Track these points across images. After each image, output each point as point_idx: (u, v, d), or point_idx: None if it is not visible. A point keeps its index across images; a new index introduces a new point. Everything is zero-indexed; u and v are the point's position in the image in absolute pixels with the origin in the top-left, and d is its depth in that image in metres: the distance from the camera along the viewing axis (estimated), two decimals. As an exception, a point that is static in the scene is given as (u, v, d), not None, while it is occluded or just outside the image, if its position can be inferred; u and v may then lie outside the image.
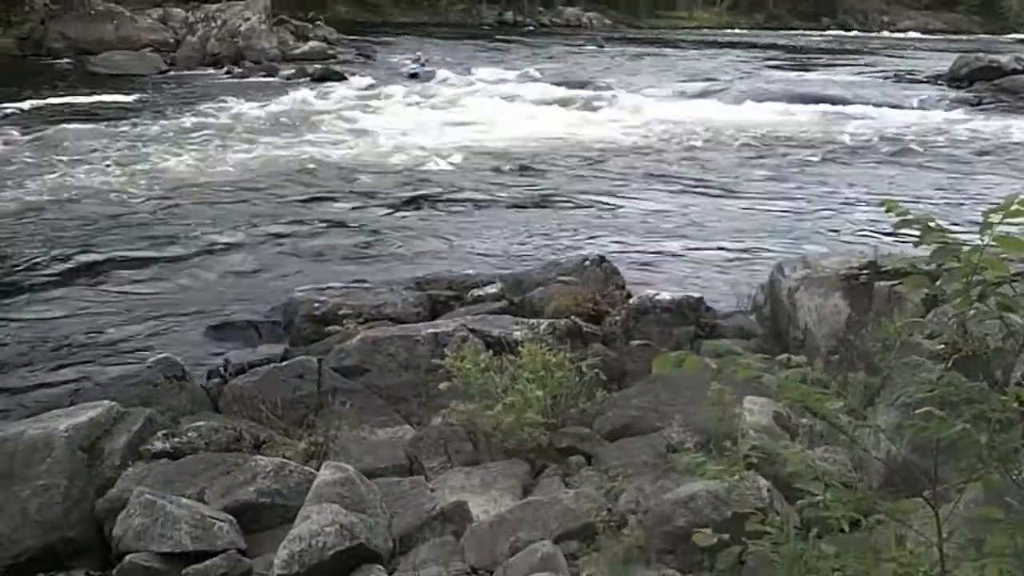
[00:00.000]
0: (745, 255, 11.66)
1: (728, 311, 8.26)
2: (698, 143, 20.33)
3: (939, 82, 32.83)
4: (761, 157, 19.05)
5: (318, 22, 45.53)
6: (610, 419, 6.01)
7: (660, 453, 5.33)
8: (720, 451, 4.09)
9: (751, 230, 13.03)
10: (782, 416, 5.22)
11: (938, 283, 2.55)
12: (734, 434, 4.59)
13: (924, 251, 2.56)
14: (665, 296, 7.73)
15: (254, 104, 23.47)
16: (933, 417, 2.45)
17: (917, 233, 2.55)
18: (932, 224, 2.46)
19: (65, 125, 19.51)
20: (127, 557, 4.66)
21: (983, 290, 2.41)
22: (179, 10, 39.02)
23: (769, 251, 11.62)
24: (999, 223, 2.37)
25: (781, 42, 59.89)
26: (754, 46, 54.89)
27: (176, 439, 5.70)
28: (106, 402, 6.00)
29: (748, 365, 2.48)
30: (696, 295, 7.90)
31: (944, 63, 35.73)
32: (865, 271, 6.86)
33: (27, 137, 18.15)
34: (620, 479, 5.14)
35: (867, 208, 14.36)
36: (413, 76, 29.86)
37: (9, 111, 21.68)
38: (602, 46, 45.25)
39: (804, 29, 78.78)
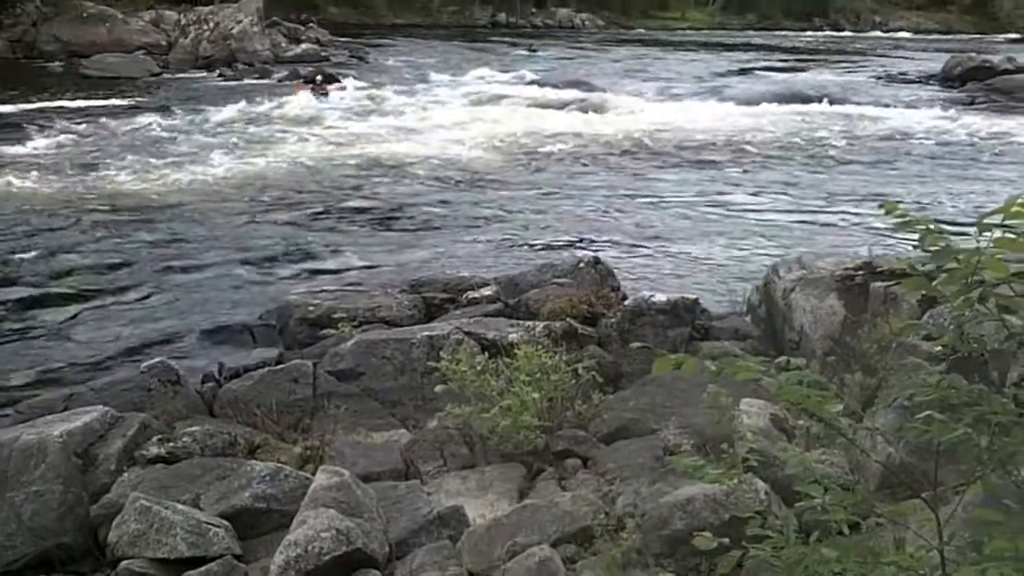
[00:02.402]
0: (739, 256, 11.67)
1: (723, 313, 8.25)
2: (690, 144, 20.34)
3: (931, 82, 32.95)
4: (754, 158, 19.07)
5: (311, 24, 45.61)
6: (606, 421, 6.00)
7: (657, 456, 5.31)
8: (717, 454, 4.08)
9: (745, 231, 13.04)
10: (779, 418, 5.21)
11: (934, 284, 2.54)
12: (731, 436, 4.58)
13: (920, 252, 2.55)
14: (660, 298, 7.70)
15: (245, 107, 23.42)
16: (933, 420, 2.44)
17: (916, 235, 2.54)
18: (931, 226, 2.44)
19: (56, 129, 19.46)
20: (122, 563, 4.63)
21: (983, 291, 2.40)
22: (171, 13, 39.02)
23: (763, 252, 11.63)
24: (998, 224, 2.36)
25: (773, 42, 60.06)
26: (746, 46, 55.00)
27: (171, 444, 5.67)
28: (100, 407, 5.97)
29: (748, 367, 2.46)
30: (691, 296, 7.88)
31: (936, 63, 35.85)
32: (860, 272, 6.86)
33: (17, 142, 18.07)
34: (617, 482, 5.13)
35: (861, 208, 14.38)
36: (322, 94, 25.75)
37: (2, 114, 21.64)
38: (535, 51, 42.93)
39: (796, 29, 79.05)
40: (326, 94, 25.66)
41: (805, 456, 2.88)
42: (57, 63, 33.37)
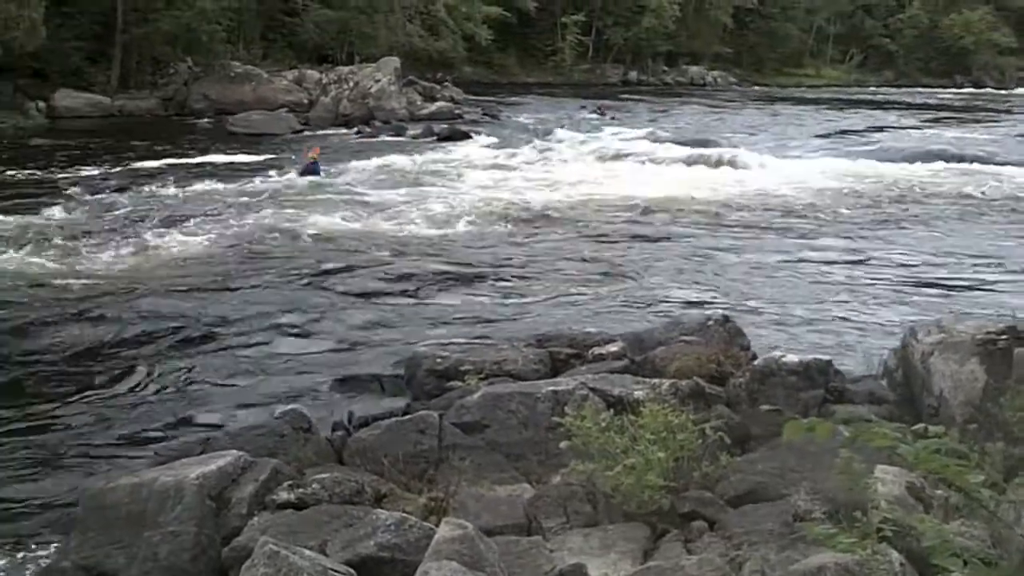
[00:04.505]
0: (875, 317, 11.33)
1: (858, 375, 7.99)
2: (826, 201, 19.97)
3: (1082, 141, 31.62)
4: (892, 216, 18.60)
5: (445, 83, 46.76)
6: (734, 484, 5.86)
7: (786, 521, 5.16)
8: (850, 522, 3.94)
9: (881, 291, 12.68)
10: (916, 487, 5.01)
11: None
12: (865, 504, 4.42)
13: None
14: (792, 359, 7.50)
15: (382, 163, 24.08)
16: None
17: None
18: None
19: (203, 183, 20.33)
20: (251, 607, 4.72)
21: None
22: (313, 72, 40.61)
23: (901, 313, 11.28)
24: None
25: (911, 99, 58.71)
26: (883, 104, 53.92)
27: (301, 490, 5.79)
28: (235, 451, 6.16)
29: (884, 434, 2.39)
30: (824, 358, 7.67)
31: (1088, 121, 34.42)
32: (1004, 336, 6.57)
33: (168, 193, 18.98)
34: (744, 547, 5.00)
35: (1003, 271, 13.84)
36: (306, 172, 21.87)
37: (153, 168, 22.77)
38: (603, 113, 40.38)
39: (936, 87, 77.10)
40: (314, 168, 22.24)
41: (943, 527, 2.78)
42: (205, 120, 35.01)
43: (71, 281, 12.35)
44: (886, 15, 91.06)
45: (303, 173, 21.80)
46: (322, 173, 22.00)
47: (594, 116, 39.31)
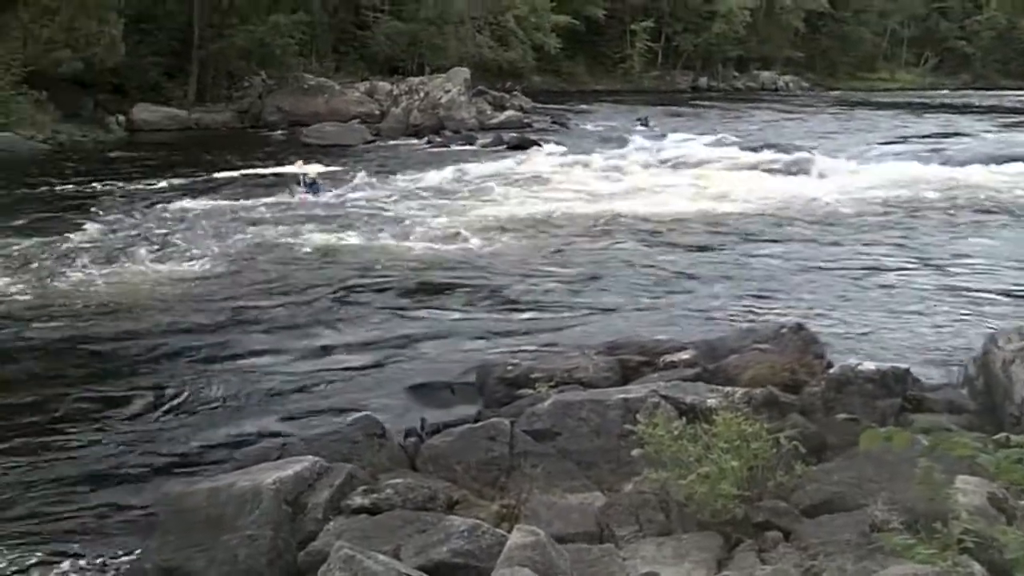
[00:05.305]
0: (954, 325, 11.09)
1: (937, 384, 7.84)
2: (901, 206, 19.63)
3: None
4: (968, 220, 18.20)
5: (514, 92, 46.95)
6: (809, 494, 5.78)
7: (863, 532, 5.07)
8: (929, 533, 3.87)
9: (960, 298, 12.40)
10: (998, 497, 4.89)
11: None
12: (945, 515, 4.33)
13: None
14: (868, 366, 7.39)
15: (451, 173, 24.22)
16: None
17: None
18: None
19: (276, 193, 20.66)
20: (327, 611, 4.78)
21: None
22: (385, 83, 41.10)
23: (980, 320, 11.03)
24: None
25: (989, 102, 57.39)
26: (960, 107, 52.82)
27: (375, 495, 5.86)
28: (311, 457, 6.25)
29: (964, 443, 2.36)
30: (902, 366, 7.53)
31: None
32: (1089, 344, 6.40)
33: (243, 203, 19.32)
34: (820, 558, 4.92)
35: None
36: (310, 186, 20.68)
37: (227, 179, 23.24)
38: (647, 123, 38.54)
39: (1015, 89, 75.22)
40: (313, 185, 20.80)
41: (1028, 539, 2.71)
42: (279, 132, 35.60)
43: (151, 287, 12.67)
44: (962, 17, 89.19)
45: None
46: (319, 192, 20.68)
47: (642, 127, 38.00)
